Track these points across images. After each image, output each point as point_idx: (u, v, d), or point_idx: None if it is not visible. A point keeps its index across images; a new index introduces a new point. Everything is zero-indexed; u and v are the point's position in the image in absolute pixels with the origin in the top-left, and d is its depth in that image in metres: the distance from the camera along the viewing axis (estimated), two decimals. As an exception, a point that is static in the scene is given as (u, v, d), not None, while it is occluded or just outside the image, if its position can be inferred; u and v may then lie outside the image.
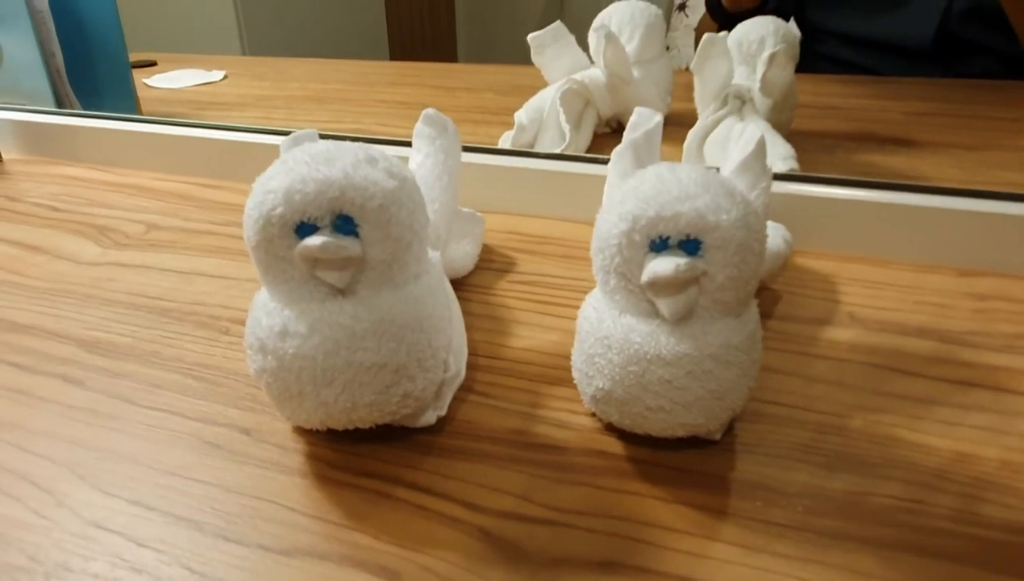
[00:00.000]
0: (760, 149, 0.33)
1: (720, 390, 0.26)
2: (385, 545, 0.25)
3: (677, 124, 0.67)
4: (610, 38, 0.60)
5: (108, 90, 0.73)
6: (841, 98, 0.72)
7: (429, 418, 0.29)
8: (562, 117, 0.60)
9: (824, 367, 0.33)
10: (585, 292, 0.39)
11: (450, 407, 0.31)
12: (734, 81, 0.58)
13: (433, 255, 0.32)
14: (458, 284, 0.41)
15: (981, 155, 0.57)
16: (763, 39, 0.60)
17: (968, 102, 0.69)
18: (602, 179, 0.41)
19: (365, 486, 0.27)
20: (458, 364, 0.31)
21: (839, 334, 0.36)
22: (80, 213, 0.53)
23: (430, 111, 0.35)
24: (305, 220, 0.25)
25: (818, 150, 0.60)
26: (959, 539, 0.25)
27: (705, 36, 0.55)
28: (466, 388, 0.32)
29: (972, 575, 0.23)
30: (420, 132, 0.35)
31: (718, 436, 0.28)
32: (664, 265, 0.24)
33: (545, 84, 0.65)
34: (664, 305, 0.25)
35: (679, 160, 0.56)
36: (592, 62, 0.65)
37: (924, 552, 0.24)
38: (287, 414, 0.27)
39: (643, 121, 0.34)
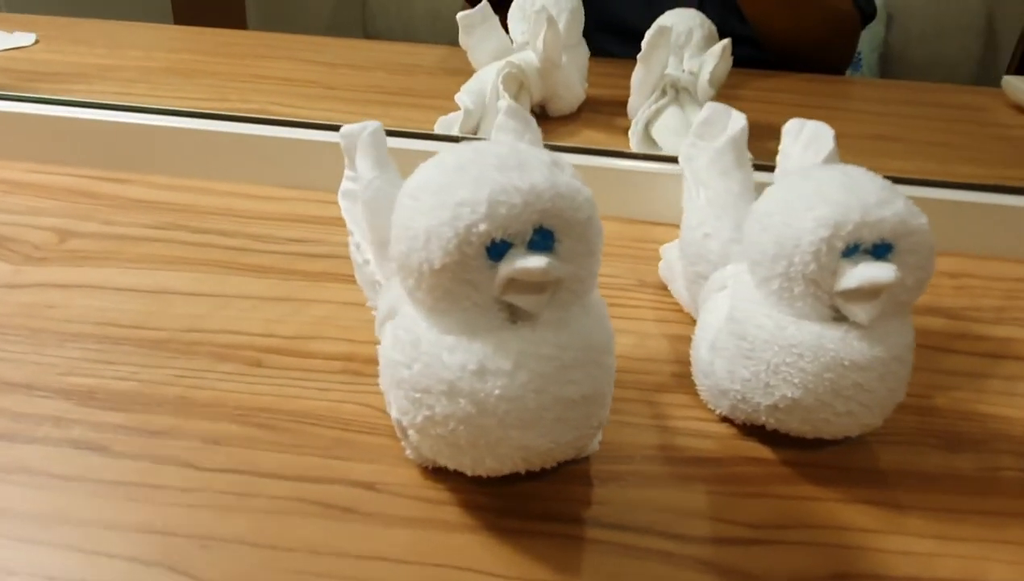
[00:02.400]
0: (836, 146, 0.34)
1: (897, 389, 0.26)
2: (617, 596, 0.22)
3: (596, 110, 0.68)
4: (551, 22, 0.58)
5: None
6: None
7: (595, 445, 0.26)
8: (509, 102, 0.57)
9: (881, 351, 0.36)
10: (623, 290, 0.39)
11: (580, 428, 0.29)
12: (669, 71, 0.59)
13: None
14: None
15: (855, 143, 0.64)
16: (691, 30, 0.62)
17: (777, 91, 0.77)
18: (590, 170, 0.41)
19: (548, 531, 0.24)
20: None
21: (870, 317, 0.38)
22: (-56, 218, 0.41)
23: (512, 104, 0.32)
24: (505, 237, 0.21)
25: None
26: (1084, 500, 0.28)
27: (655, 25, 0.56)
28: (582, 405, 0.30)
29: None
30: (505, 126, 0.31)
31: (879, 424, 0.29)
32: (882, 272, 0.24)
33: (464, 65, 0.62)
34: (863, 310, 0.25)
35: (622, 146, 0.57)
36: (512, 44, 0.63)
37: (1068, 517, 0.27)
38: (467, 462, 0.23)
39: (717, 116, 0.34)
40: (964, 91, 0.92)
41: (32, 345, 0.31)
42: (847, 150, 0.62)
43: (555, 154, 0.23)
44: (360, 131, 0.29)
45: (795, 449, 0.29)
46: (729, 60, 0.57)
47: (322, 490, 0.25)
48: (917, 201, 0.25)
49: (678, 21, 0.62)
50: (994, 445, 0.30)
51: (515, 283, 0.22)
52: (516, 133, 0.31)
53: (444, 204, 0.21)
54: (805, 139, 0.35)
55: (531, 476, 0.26)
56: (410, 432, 0.24)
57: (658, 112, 0.59)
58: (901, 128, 0.69)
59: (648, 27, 0.59)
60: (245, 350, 0.32)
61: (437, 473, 0.26)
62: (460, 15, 0.61)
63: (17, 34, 0.81)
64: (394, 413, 0.25)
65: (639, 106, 0.59)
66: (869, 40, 1.36)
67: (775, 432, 0.28)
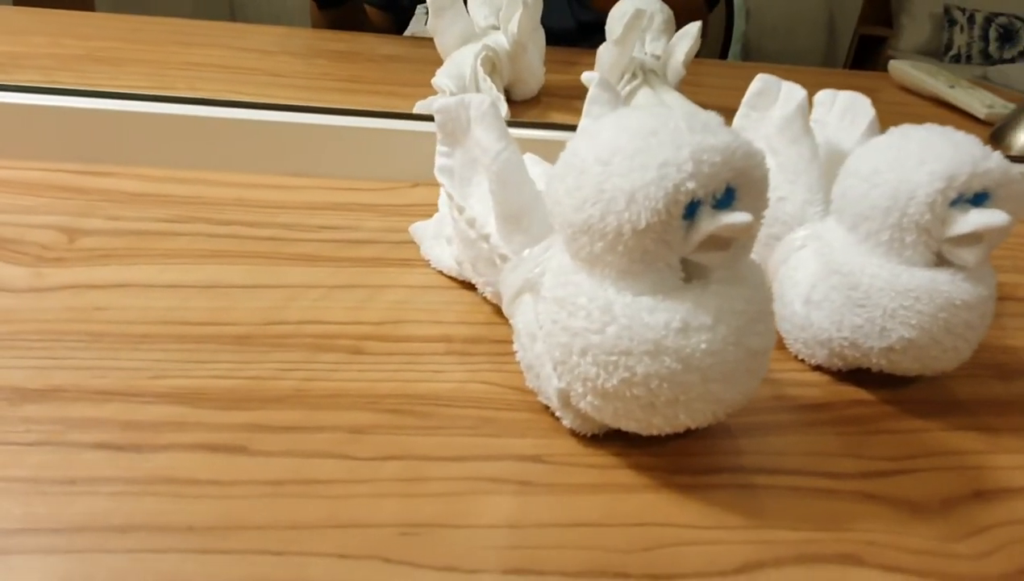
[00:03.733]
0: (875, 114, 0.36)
1: (988, 325, 0.29)
2: (812, 533, 0.24)
3: (554, 94, 0.69)
4: (527, 5, 0.59)
5: None
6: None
7: (740, 399, 0.27)
8: (490, 85, 0.57)
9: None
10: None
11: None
12: (635, 54, 0.62)
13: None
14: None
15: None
16: (652, 14, 0.64)
17: None
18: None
19: (720, 483, 0.25)
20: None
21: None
22: (-85, 221, 0.35)
23: (602, 78, 0.32)
24: (703, 196, 0.22)
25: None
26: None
27: (632, 8, 0.57)
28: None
29: None
30: (597, 98, 0.31)
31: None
32: (995, 217, 0.26)
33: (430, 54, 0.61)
34: (972, 253, 0.27)
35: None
36: (475, 29, 0.63)
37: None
38: (655, 422, 0.24)
39: (769, 88, 0.36)
40: (856, 75, 1.01)
41: (101, 350, 0.28)
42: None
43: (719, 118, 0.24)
44: (469, 104, 0.29)
45: (887, 389, 0.31)
46: (699, 41, 0.60)
47: (493, 467, 0.25)
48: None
49: (641, 6, 0.64)
50: (1034, 372, 0.34)
51: (709, 240, 0.22)
52: (611, 104, 0.32)
53: (647, 165, 0.21)
54: (840, 109, 0.38)
55: (677, 436, 0.26)
56: (588, 400, 0.24)
57: (631, 93, 0.60)
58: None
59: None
60: (340, 339, 0.30)
61: (592, 441, 0.26)
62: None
63: None
64: (559, 383, 0.25)
65: (610, 88, 0.61)
66: (735, 33, 1.45)
67: (865, 375, 0.30)
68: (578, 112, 0.31)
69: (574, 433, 0.26)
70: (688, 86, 0.62)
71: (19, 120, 0.43)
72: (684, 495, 0.24)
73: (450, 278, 0.35)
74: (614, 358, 0.23)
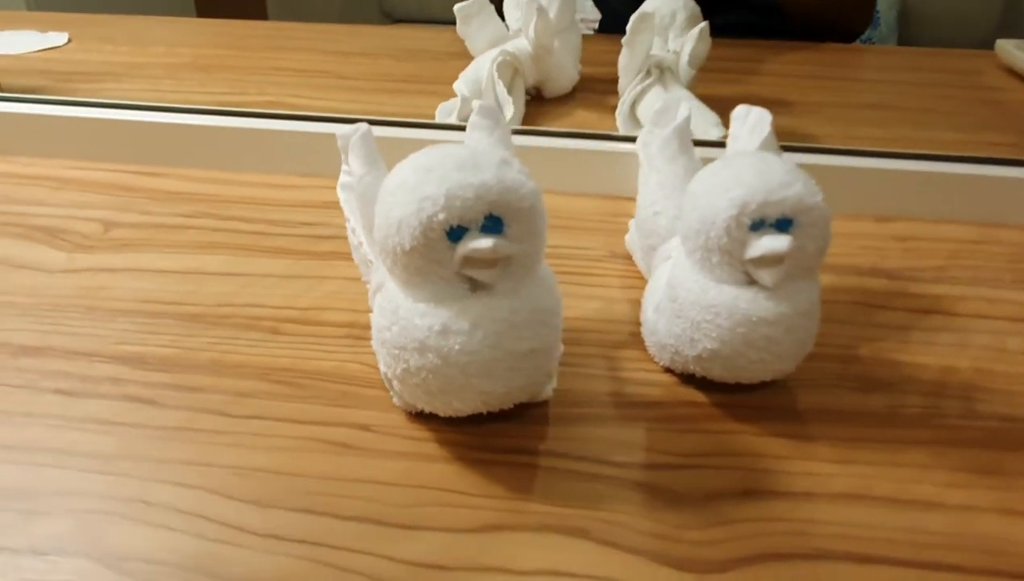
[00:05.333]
0: (772, 130, 0.38)
1: (806, 340, 0.31)
2: (562, 508, 0.28)
3: (590, 90, 0.72)
4: (540, 11, 0.63)
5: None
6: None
7: (548, 391, 0.32)
8: (501, 89, 0.62)
9: (826, 308, 0.40)
10: (593, 261, 0.44)
11: (545, 379, 0.34)
12: (653, 51, 0.64)
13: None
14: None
15: (843, 112, 0.68)
16: (674, 12, 0.66)
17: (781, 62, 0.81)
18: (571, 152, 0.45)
19: (513, 461, 0.30)
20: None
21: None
22: (14, 213, 0.47)
23: (484, 103, 0.37)
24: (461, 224, 0.27)
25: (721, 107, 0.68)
26: (973, 431, 0.32)
27: (638, 12, 0.60)
28: (548, 360, 0.35)
29: (988, 456, 0.31)
30: (477, 124, 0.36)
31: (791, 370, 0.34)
32: (778, 243, 0.29)
33: (462, 52, 0.67)
34: (768, 274, 0.30)
35: (612, 125, 0.61)
36: (508, 31, 0.68)
37: (955, 443, 0.32)
38: (438, 406, 0.29)
39: (669, 109, 0.38)
40: (958, 55, 0.94)
41: (88, 321, 0.37)
42: (836, 119, 0.66)
43: (506, 154, 0.28)
44: (353, 132, 0.35)
45: (725, 394, 0.34)
46: (707, 41, 0.61)
47: (327, 431, 0.31)
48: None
49: (662, 4, 0.66)
50: (904, 387, 0.35)
51: (471, 260, 0.27)
52: (487, 130, 0.36)
53: (411, 199, 0.27)
54: (750, 124, 0.40)
55: (495, 417, 0.31)
56: (394, 382, 0.30)
57: (643, 92, 0.63)
58: (891, 95, 0.72)
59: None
60: (267, 321, 0.38)
61: (419, 417, 0.32)
62: (457, 6, 0.66)
63: (51, 34, 0.87)
64: (382, 367, 0.31)
65: (627, 87, 0.63)
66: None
67: (704, 379, 0.33)
68: (607, 108, 0.35)
69: (403, 409, 0.32)
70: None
71: (85, 129, 0.54)
72: (471, 468, 0.30)
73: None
74: (396, 351, 0.28)
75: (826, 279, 0.42)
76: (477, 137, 0.37)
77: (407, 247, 0.27)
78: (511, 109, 0.61)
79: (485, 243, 0.26)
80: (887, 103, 0.69)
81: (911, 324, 0.39)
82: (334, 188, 0.42)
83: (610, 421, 0.32)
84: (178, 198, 0.50)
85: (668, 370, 0.35)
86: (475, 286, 0.28)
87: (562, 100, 0.70)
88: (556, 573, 0.26)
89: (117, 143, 0.54)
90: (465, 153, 0.28)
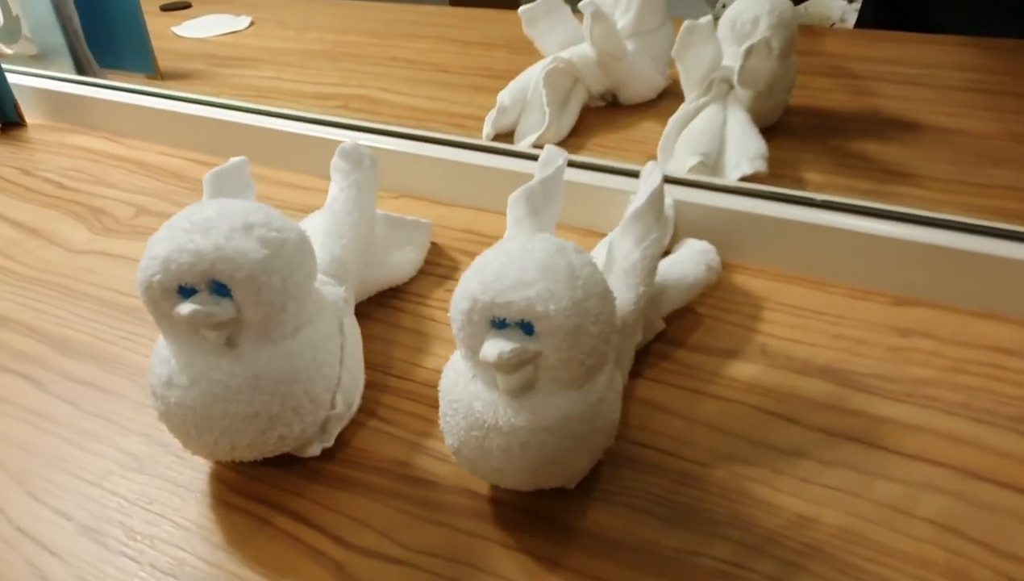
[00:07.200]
0: (655, 200, 0.33)
1: (558, 458, 0.27)
2: (253, 573, 0.29)
3: (679, 96, 0.66)
4: (596, 16, 0.58)
5: (126, 50, 0.76)
6: (897, 66, 0.68)
7: (314, 450, 0.32)
8: (544, 99, 0.59)
9: (711, 408, 0.34)
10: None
11: (348, 433, 0.34)
12: (724, 63, 0.56)
13: (334, 292, 0.34)
14: (397, 291, 0.43)
15: (983, 145, 0.54)
16: (757, 19, 0.57)
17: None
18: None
19: (252, 511, 0.31)
20: (349, 399, 0.33)
21: (742, 370, 0.36)
22: (83, 192, 0.57)
23: (346, 145, 0.37)
24: (183, 285, 0.28)
25: (810, 135, 0.58)
26: (764, 610, 0.26)
27: (686, 23, 0.53)
28: (368, 412, 0.35)
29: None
30: (336, 166, 0.37)
31: (572, 486, 0.30)
32: (490, 350, 0.25)
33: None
34: (500, 381, 0.27)
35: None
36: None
37: (726, 620, 0.26)
38: (187, 445, 0.31)
39: (550, 161, 0.35)
40: None
41: (58, 300, 0.44)
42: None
43: (259, 216, 0.29)
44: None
45: (512, 492, 0.31)
46: (768, 58, 0.53)
47: (137, 444, 0.34)
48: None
49: (745, 9, 0.58)
50: (722, 530, 0.29)
51: (194, 322, 0.28)
52: (344, 172, 0.36)
53: (145, 256, 0.28)
54: (642, 178, 0.35)
55: (278, 464, 0.32)
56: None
57: (697, 109, 0.56)
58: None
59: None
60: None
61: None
62: (522, 9, 0.64)
63: (241, 18, 1.00)
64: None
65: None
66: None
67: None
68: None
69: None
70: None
71: (173, 119, 0.62)
72: (215, 507, 0.31)
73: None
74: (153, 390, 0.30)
75: (755, 370, 0.36)
76: (335, 178, 0.37)
77: (142, 300, 0.29)
78: (549, 121, 0.58)
79: (183, 308, 0.27)
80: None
81: (811, 451, 0.32)
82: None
83: (375, 493, 0.31)
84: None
85: (470, 449, 0.33)
86: (231, 343, 0.29)
87: (636, 109, 0.65)
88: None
89: (196, 134, 0.62)
90: (206, 215, 0.28)
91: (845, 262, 0.42)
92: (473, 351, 0.27)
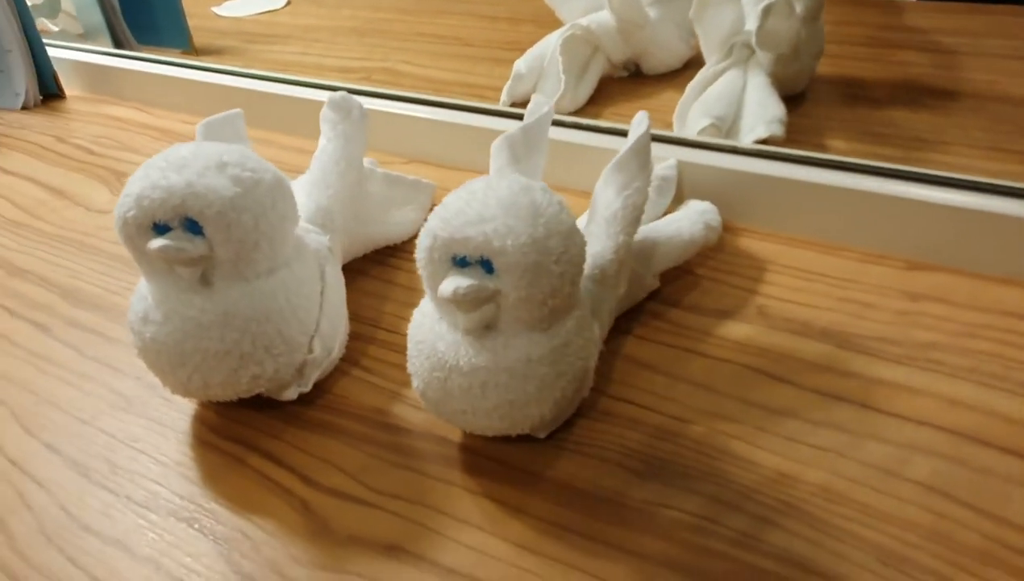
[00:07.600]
0: (639, 148, 0.32)
1: (519, 400, 0.27)
2: (222, 508, 0.29)
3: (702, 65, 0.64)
4: (622, -17, 0.57)
5: (163, 26, 0.78)
6: (931, 35, 0.65)
7: (290, 394, 0.32)
8: (560, 66, 0.58)
9: (698, 366, 0.33)
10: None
11: (330, 380, 0.34)
12: (747, 27, 0.54)
13: (318, 240, 0.34)
14: (395, 250, 0.43)
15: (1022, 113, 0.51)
16: (778, -17, 0.55)
17: None
18: (574, 145, 0.43)
19: (228, 450, 0.31)
20: (328, 345, 0.33)
21: (736, 330, 0.35)
22: (109, 157, 0.59)
23: (335, 95, 0.37)
24: (157, 221, 0.28)
25: (835, 102, 0.56)
26: (730, 563, 0.25)
27: (700, -13, 0.52)
28: (352, 362, 0.35)
29: (724, 600, 0.24)
30: (325, 116, 0.37)
31: (542, 435, 0.30)
32: (447, 286, 0.25)
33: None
34: (460, 320, 0.26)
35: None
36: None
37: (688, 572, 0.25)
38: (163, 382, 0.31)
39: (535, 110, 0.34)
40: None
41: (73, 255, 0.46)
42: None
43: (233, 155, 0.29)
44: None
45: (483, 440, 0.30)
46: (789, 18, 0.51)
47: (128, 384, 0.35)
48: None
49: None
50: (694, 485, 0.28)
51: (164, 257, 0.28)
52: (332, 123, 0.36)
53: (122, 194, 0.29)
54: (632, 130, 0.34)
55: (258, 407, 0.33)
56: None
57: (717, 74, 0.55)
58: None
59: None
60: (180, 277, 0.43)
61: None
62: (543, -25, 0.63)
63: (279, -6, 1.01)
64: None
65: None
66: None
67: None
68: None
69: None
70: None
71: (199, 89, 0.63)
72: (193, 446, 0.32)
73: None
74: (131, 326, 0.31)
75: (750, 330, 0.35)
76: (323, 130, 0.37)
77: (119, 238, 0.29)
78: (564, 88, 0.57)
79: (154, 244, 0.28)
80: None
81: (799, 411, 0.31)
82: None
83: (349, 437, 0.31)
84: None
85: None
86: (206, 282, 0.30)
87: (660, 79, 0.64)
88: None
89: (219, 103, 0.63)
90: (181, 154, 0.29)
91: (858, 225, 0.40)
92: (436, 290, 0.27)
